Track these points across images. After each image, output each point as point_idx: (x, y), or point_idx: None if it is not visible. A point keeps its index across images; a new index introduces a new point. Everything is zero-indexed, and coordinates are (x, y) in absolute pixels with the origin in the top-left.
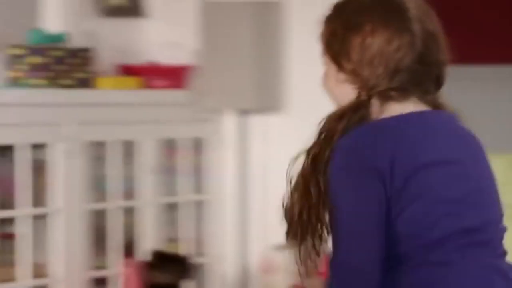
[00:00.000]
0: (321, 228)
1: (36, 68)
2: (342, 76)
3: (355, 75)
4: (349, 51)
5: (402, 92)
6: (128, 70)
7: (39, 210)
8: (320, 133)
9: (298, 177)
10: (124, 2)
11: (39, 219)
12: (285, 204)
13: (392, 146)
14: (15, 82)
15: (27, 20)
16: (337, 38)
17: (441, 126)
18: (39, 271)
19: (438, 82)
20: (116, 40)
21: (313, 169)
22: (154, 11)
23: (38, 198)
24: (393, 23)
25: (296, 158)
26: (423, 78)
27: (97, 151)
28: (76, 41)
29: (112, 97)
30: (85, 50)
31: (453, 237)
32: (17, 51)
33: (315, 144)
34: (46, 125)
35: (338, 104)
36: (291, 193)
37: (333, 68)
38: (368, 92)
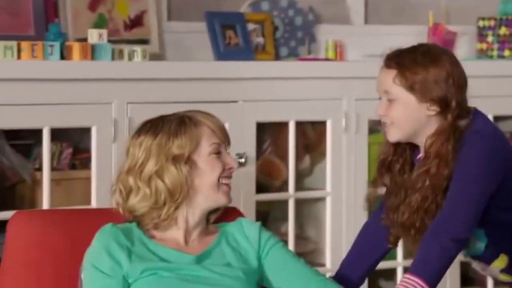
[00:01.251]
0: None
1: (505, 39)
2: (434, 108)
3: (445, 105)
4: (442, 88)
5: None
6: None
7: None
8: (431, 154)
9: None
10: None
11: None
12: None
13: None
14: (483, 54)
15: None
16: (430, 82)
17: None
18: None
19: None
20: None
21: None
22: None
23: None
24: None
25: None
26: None
27: None
28: None
29: None
30: None
31: None
32: (487, 23)
33: (434, 165)
34: None
35: (411, 131)
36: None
37: (414, 102)
38: (454, 114)
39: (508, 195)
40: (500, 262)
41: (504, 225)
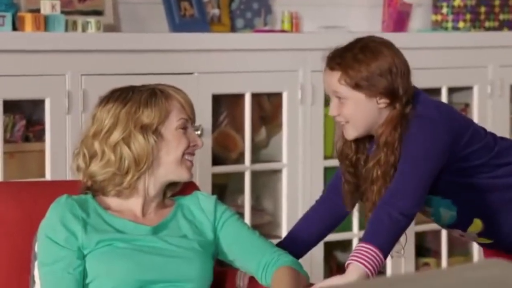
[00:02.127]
0: None
1: (459, 11)
2: (383, 100)
3: (393, 96)
4: (388, 79)
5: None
6: None
7: None
8: (381, 144)
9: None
10: None
11: None
12: None
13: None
14: (438, 25)
15: None
16: (375, 77)
17: None
18: None
19: None
20: None
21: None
22: None
23: None
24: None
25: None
26: None
27: None
28: None
29: None
30: None
31: None
32: None
33: (384, 154)
34: (470, 68)
35: (367, 125)
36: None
37: (363, 99)
38: (402, 102)
39: (463, 161)
40: (475, 226)
41: (467, 191)
